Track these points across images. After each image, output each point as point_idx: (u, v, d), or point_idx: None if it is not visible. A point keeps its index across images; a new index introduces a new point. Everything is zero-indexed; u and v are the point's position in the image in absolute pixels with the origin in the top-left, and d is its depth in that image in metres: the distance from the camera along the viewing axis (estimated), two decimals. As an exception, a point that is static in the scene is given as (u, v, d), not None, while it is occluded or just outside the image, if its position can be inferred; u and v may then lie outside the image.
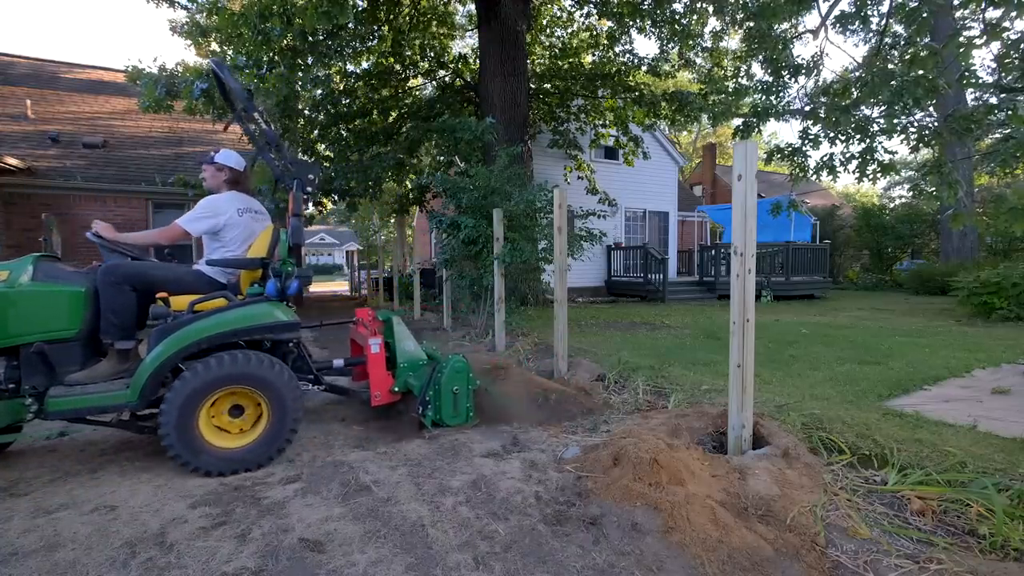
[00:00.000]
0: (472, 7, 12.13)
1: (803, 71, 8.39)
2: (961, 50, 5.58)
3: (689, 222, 20.63)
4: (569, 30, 12.77)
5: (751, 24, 8.79)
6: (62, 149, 10.00)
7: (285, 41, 7.41)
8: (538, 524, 2.07)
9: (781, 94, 8.55)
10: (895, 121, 7.00)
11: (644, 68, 11.75)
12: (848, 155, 7.58)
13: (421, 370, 3.36)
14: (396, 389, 3.32)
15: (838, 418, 2.94)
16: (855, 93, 7.23)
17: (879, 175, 7.29)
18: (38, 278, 2.52)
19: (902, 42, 7.98)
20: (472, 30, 13.15)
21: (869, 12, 8.08)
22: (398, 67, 11.50)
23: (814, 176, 8.38)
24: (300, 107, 9.83)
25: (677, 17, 10.77)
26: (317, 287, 26.19)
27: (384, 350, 3.34)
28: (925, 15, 6.60)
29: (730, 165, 20.89)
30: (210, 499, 2.33)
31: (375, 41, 10.67)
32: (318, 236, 50.05)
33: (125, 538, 2.00)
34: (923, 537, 1.91)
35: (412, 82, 12.55)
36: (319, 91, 9.76)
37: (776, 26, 8.40)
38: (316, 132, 10.52)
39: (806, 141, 8.00)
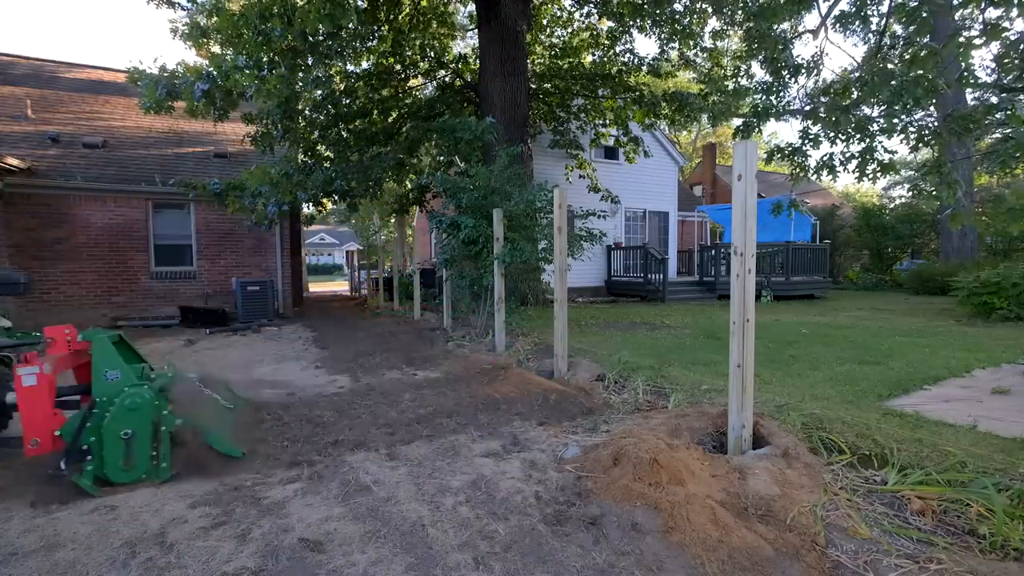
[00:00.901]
0: (472, 7, 12.14)
1: (803, 71, 8.39)
2: (961, 50, 5.58)
3: (689, 222, 20.63)
4: (569, 30, 12.78)
5: (751, 24, 8.79)
6: (62, 149, 10.00)
7: (286, 42, 7.41)
8: (538, 524, 2.07)
9: (781, 94, 8.55)
10: (895, 121, 7.00)
11: (644, 68, 11.77)
12: (848, 155, 7.58)
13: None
14: (60, 433, 2.55)
15: (838, 418, 2.94)
16: (855, 93, 7.23)
17: (879, 175, 7.29)
18: None
19: (902, 42, 7.98)
20: (472, 30, 13.16)
21: (869, 12, 8.08)
22: (398, 67, 11.51)
23: (814, 176, 8.37)
24: (300, 107, 9.83)
25: (677, 17, 10.78)
26: (317, 287, 26.22)
27: (54, 381, 2.67)
28: (925, 15, 6.60)
29: (730, 165, 20.85)
30: (210, 499, 2.33)
31: (375, 41, 10.68)
32: (318, 236, 50.04)
33: (125, 538, 2.00)
34: (923, 537, 1.91)
35: (412, 82, 12.56)
36: (319, 92, 9.77)
37: (776, 26, 8.39)
38: (317, 133, 10.53)
39: (806, 141, 7.99)
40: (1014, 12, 5.86)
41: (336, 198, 10.20)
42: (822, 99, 8.03)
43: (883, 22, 8.06)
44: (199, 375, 3.36)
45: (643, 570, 1.77)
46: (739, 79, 9.88)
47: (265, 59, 7.50)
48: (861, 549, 1.85)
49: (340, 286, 27.56)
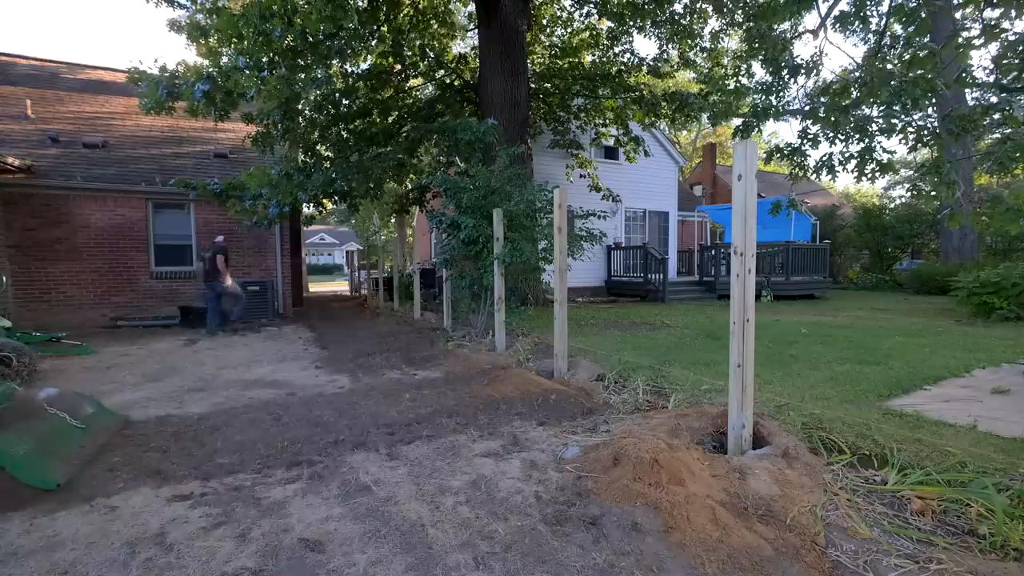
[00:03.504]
0: (472, 7, 12.15)
1: (803, 71, 8.39)
2: (960, 50, 5.58)
3: (689, 222, 20.62)
4: (569, 29, 12.79)
5: (751, 24, 8.80)
6: (62, 149, 9.99)
7: (286, 42, 7.41)
8: (538, 524, 2.07)
9: (781, 94, 8.55)
10: (894, 121, 7.01)
11: (644, 68, 11.78)
12: (847, 155, 7.58)
13: None
14: None
15: (838, 418, 2.94)
16: (854, 93, 7.23)
17: (878, 174, 7.30)
18: None
19: (901, 42, 7.99)
20: (472, 30, 13.16)
21: (869, 12, 8.08)
22: (398, 67, 11.51)
23: (814, 176, 8.38)
24: (300, 108, 9.83)
25: (677, 17, 10.79)
26: (317, 287, 26.21)
27: None
28: (924, 15, 6.60)
29: (730, 165, 20.88)
30: (210, 499, 2.33)
31: (375, 41, 10.68)
32: (318, 236, 50.03)
33: (125, 538, 2.00)
34: (923, 537, 1.91)
35: (412, 82, 12.56)
36: (320, 92, 9.77)
37: (776, 26, 8.40)
38: (317, 133, 10.52)
39: (805, 141, 8.00)
40: (1013, 12, 5.85)
41: (336, 199, 10.21)
42: (822, 99, 8.03)
43: (883, 22, 8.07)
44: (52, 392, 2.94)
45: (643, 570, 1.77)
46: (739, 79, 9.89)
47: (265, 59, 7.49)
48: (861, 549, 1.85)
49: (340, 286, 27.55)
